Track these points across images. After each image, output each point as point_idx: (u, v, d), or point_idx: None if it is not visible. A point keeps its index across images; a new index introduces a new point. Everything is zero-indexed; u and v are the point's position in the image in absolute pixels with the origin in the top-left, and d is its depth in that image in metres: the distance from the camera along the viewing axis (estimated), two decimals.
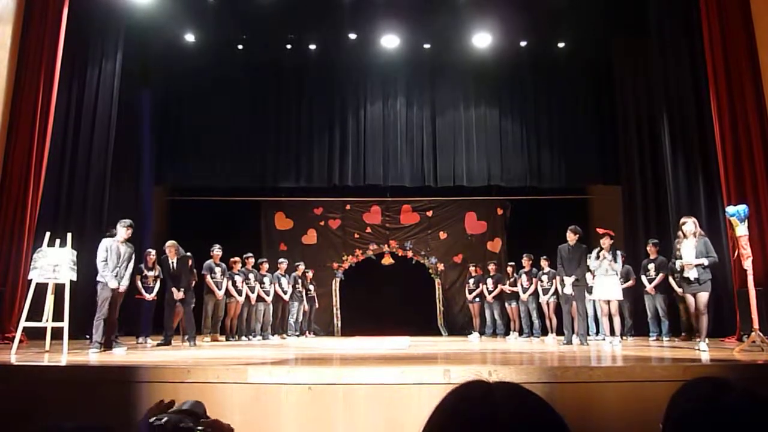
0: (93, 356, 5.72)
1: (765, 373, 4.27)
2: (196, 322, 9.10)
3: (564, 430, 0.77)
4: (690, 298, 6.41)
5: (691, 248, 6.37)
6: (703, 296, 6.27)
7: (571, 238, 7.77)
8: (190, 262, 8.82)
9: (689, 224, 6.46)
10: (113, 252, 6.61)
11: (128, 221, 6.91)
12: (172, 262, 8.11)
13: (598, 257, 7.65)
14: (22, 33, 8.14)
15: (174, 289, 7.96)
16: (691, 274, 6.31)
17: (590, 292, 8.18)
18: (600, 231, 7.84)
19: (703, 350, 5.96)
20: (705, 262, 6.26)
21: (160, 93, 11.59)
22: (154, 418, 1.12)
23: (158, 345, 7.52)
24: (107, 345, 6.46)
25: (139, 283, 8.46)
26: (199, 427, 1.11)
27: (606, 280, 7.59)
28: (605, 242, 7.66)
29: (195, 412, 1.18)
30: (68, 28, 8.36)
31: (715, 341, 7.67)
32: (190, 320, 7.94)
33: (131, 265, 6.90)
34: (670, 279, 8.50)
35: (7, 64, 7.89)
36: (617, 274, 7.66)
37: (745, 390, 0.98)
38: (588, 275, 7.95)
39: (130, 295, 7.90)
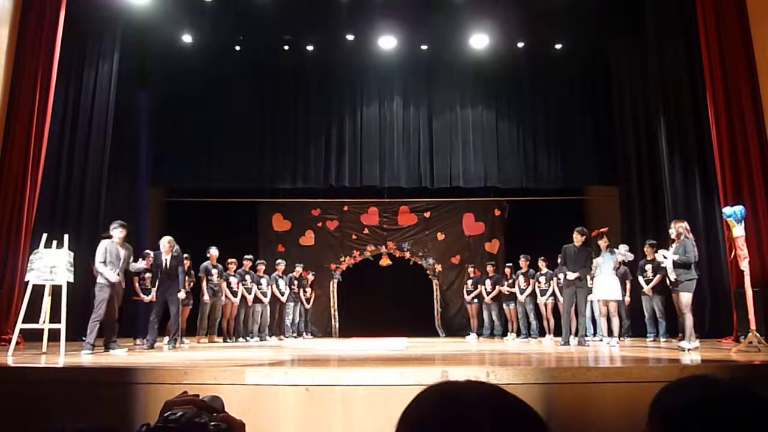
0: (86, 358, 5.70)
1: (761, 373, 4.29)
2: (192, 324, 9.09)
3: (539, 427, 0.76)
4: (676, 297, 6.49)
5: (671, 250, 6.46)
6: (684, 296, 6.32)
7: (578, 239, 7.81)
8: (187, 262, 8.79)
9: (672, 229, 6.62)
10: (113, 254, 6.62)
11: (118, 222, 6.89)
12: (166, 260, 7.69)
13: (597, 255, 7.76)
14: (18, 34, 8.12)
15: (183, 290, 7.83)
16: (671, 274, 6.38)
17: (591, 293, 8.21)
18: (594, 233, 7.92)
19: (682, 349, 5.99)
20: (671, 256, 6.32)
21: (157, 94, 11.57)
22: (169, 412, 1.12)
23: (147, 348, 7.24)
24: (105, 347, 6.45)
25: (137, 285, 8.44)
26: (212, 423, 1.11)
27: (605, 281, 7.63)
28: (602, 243, 7.75)
29: (212, 407, 1.18)
30: (65, 29, 8.35)
31: (712, 342, 7.69)
32: (176, 321, 7.61)
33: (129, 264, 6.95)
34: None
35: (4, 66, 7.87)
36: (625, 261, 7.75)
37: (736, 386, 0.98)
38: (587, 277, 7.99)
39: (127, 297, 7.88)
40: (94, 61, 9.67)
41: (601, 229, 7.99)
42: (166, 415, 1.11)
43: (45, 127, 8.07)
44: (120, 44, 10.02)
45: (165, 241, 7.74)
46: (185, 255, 8.67)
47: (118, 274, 6.66)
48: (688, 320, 6.28)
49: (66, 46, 8.51)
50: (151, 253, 8.35)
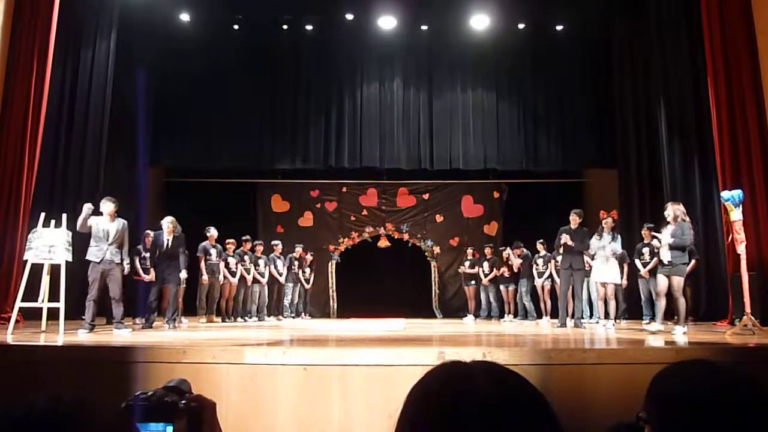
0: (83, 336, 5.72)
1: (755, 356, 4.33)
2: (189, 304, 9.10)
3: (545, 407, 0.78)
4: (662, 279, 6.43)
5: (667, 232, 6.44)
6: (676, 280, 6.31)
7: (575, 221, 7.81)
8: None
9: (668, 210, 6.58)
10: (99, 230, 6.56)
11: (106, 197, 6.80)
12: (168, 240, 7.58)
13: (600, 237, 7.74)
14: (14, 11, 8.03)
15: (184, 271, 7.78)
16: (665, 256, 6.38)
17: (588, 275, 8.23)
18: (603, 214, 7.90)
19: (674, 334, 6.01)
20: (668, 239, 6.27)
21: (155, 73, 11.45)
22: (140, 392, 1.16)
23: (142, 328, 7.20)
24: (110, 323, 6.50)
25: (137, 264, 8.44)
26: (183, 401, 1.13)
27: (605, 263, 7.64)
28: (608, 223, 7.72)
29: (180, 389, 1.21)
30: (62, 6, 8.24)
31: (707, 324, 7.75)
32: (174, 301, 7.59)
33: (125, 241, 6.77)
34: None
35: (0, 42, 7.79)
36: (614, 254, 7.72)
37: (733, 371, 0.98)
38: (586, 258, 8.00)
39: (128, 276, 7.86)
40: (92, 40, 9.55)
41: (611, 213, 7.97)
42: (137, 394, 1.14)
43: (42, 105, 8.01)
44: (117, 22, 9.89)
45: (168, 222, 7.63)
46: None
47: (115, 251, 6.61)
48: (681, 304, 6.32)
49: (63, 24, 8.40)
50: (151, 233, 8.33)
